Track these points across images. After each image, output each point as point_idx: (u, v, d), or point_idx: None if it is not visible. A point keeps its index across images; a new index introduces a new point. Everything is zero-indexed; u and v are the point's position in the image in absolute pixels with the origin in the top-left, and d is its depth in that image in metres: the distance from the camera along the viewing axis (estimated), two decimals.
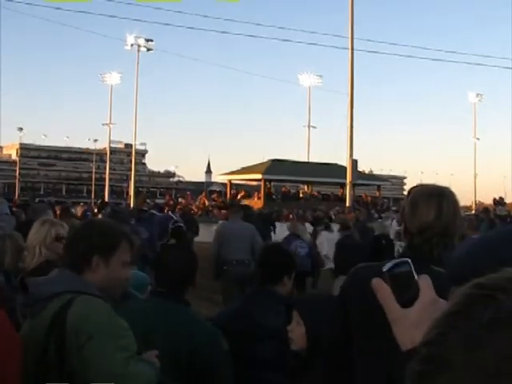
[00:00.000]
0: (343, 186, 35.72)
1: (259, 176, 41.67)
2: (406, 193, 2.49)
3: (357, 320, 2.13)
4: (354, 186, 31.26)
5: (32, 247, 4.20)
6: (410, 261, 1.08)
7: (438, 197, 2.28)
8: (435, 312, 0.75)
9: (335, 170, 40.73)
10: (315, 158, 57.15)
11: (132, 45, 50.74)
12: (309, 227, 13.99)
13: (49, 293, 2.43)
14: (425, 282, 1.08)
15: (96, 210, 17.88)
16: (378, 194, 48.15)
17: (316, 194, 46.09)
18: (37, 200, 28.73)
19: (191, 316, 3.16)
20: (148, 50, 51.38)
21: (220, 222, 17.39)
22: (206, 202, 38.34)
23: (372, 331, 1.91)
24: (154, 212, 13.47)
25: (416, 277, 1.08)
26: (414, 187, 2.44)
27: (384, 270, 1.08)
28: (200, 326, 3.08)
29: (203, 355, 2.94)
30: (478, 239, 1.59)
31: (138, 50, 50.76)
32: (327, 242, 12.16)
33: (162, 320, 3.00)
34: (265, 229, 14.94)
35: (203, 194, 43.44)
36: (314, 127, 66.44)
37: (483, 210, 20.74)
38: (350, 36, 29.33)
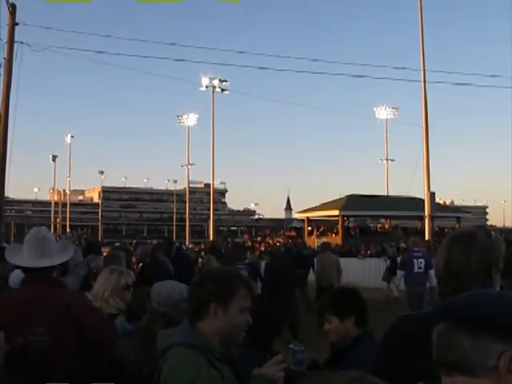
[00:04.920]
0: (422, 219, 35.29)
1: (336, 212, 41.94)
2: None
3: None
4: (432, 218, 31.01)
5: (102, 295, 4.31)
6: None
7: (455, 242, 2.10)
8: None
9: (413, 203, 40.37)
10: (393, 192, 56.85)
11: (207, 86, 51.53)
12: None
13: (166, 345, 2.57)
14: None
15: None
16: (458, 225, 47.17)
17: (395, 227, 45.79)
18: (117, 244, 27.70)
19: None
20: (223, 90, 51.88)
21: None
22: (282, 241, 38.99)
23: None
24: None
25: None
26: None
27: None
28: None
29: None
30: None
31: (213, 91, 51.42)
32: None
33: None
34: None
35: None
36: (392, 160, 65.98)
37: None
38: (422, 68, 29.50)
